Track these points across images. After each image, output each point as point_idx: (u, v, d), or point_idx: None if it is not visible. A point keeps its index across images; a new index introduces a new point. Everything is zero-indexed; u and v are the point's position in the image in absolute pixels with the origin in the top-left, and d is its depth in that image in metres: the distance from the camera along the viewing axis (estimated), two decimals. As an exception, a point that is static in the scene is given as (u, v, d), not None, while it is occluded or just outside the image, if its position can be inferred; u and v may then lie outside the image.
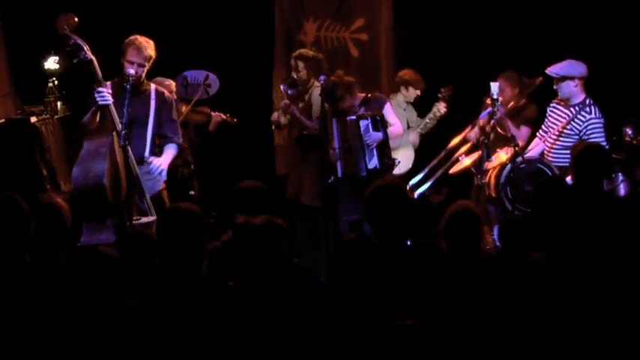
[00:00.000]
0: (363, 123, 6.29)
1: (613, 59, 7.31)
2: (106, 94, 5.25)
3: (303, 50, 7.09)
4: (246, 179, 4.96)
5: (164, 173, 5.55)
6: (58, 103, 7.46)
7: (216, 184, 7.29)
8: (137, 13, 7.78)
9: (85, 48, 5.27)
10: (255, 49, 8.01)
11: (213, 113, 7.02)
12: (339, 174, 6.28)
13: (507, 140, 6.09)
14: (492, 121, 6.38)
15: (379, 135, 6.31)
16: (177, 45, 7.70)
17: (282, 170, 7.71)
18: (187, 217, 3.88)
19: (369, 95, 6.53)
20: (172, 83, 6.67)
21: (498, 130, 6.45)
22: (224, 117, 7.03)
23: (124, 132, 5.09)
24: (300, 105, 6.88)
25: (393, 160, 6.47)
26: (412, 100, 7.14)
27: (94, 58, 5.29)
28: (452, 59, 7.54)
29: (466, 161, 6.62)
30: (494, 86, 5.99)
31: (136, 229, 4.98)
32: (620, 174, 6.65)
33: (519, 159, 5.92)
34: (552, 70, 6.03)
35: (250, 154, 7.93)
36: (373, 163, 6.32)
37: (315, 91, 6.71)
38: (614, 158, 6.67)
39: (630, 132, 6.73)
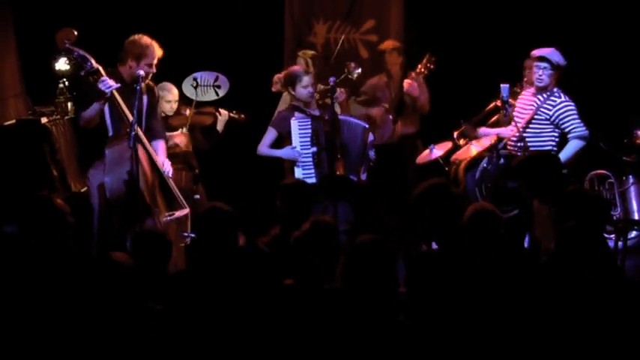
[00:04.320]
0: (372, 136, 6.09)
1: (624, 61, 7.29)
2: (108, 80, 5.26)
3: (308, 50, 7.26)
4: (253, 182, 4.98)
5: (168, 168, 5.62)
6: (69, 104, 7.46)
7: (224, 188, 7.23)
8: (148, 14, 7.79)
9: (90, 59, 5.32)
10: (265, 50, 8.02)
11: (219, 111, 6.88)
12: (315, 179, 5.86)
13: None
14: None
15: None
16: (188, 46, 7.72)
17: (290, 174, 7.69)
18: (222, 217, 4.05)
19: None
20: (176, 91, 6.64)
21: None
22: (230, 114, 6.90)
23: (133, 133, 5.13)
24: None
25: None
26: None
27: (100, 67, 5.32)
28: (462, 60, 7.53)
29: (437, 152, 6.46)
30: (505, 88, 5.93)
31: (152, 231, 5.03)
32: (630, 176, 6.64)
33: (494, 154, 5.87)
34: (552, 57, 5.86)
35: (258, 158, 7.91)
36: (364, 177, 6.05)
37: None
38: (625, 161, 6.67)
39: (641, 134, 6.72)
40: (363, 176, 6.03)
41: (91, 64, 5.29)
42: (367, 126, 6.06)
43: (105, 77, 5.27)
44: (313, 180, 5.82)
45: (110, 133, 5.50)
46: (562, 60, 5.89)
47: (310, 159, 5.88)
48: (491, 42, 7.50)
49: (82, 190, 7.06)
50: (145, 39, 5.51)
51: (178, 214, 5.60)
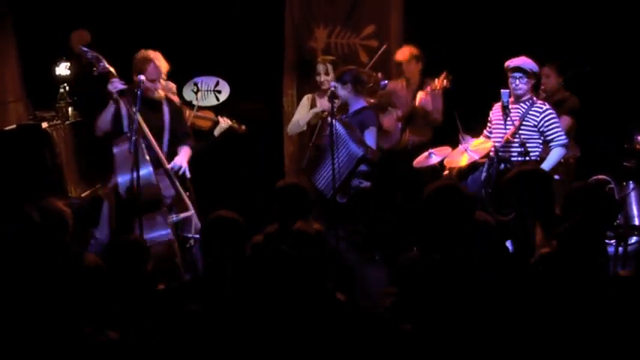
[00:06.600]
0: (365, 167, 5.84)
1: (625, 66, 7.29)
2: (117, 82, 5.47)
3: (327, 56, 7.15)
4: (251, 184, 4.98)
5: (186, 171, 5.71)
6: (69, 109, 7.48)
7: (216, 189, 7.21)
8: (148, 18, 7.81)
9: (103, 60, 5.54)
10: (266, 55, 8.02)
11: (219, 118, 6.78)
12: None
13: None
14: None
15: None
16: (188, 51, 7.73)
17: (292, 176, 7.69)
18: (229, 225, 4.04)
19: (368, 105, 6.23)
20: (174, 85, 6.63)
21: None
22: (230, 123, 6.77)
23: (134, 138, 5.18)
24: None
25: None
26: None
27: (111, 69, 5.53)
28: (463, 65, 7.52)
29: (435, 158, 6.31)
30: (505, 94, 5.95)
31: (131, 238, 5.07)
32: (631, 182, 6.63)
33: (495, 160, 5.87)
34: (527, 66, 5.96)
35: (259, 160, 7.92)
36: (341, 200, 5.84)
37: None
38: (625, 166, 6.67)
39: (641, 139, 6.71)
40: (341, 199, 5.80)
41: (104, 65, 5.53)
42: (362, 154, 5.72)
43: (115, 78, 5.48)
44: None
45: None
46: (535, 67, 6.01)
47: None
48: (492, 46, 7.50)
49: (83, 195, 7.08)
50: (144, 53, 5.66)
51: (183, 215, 5.71)
